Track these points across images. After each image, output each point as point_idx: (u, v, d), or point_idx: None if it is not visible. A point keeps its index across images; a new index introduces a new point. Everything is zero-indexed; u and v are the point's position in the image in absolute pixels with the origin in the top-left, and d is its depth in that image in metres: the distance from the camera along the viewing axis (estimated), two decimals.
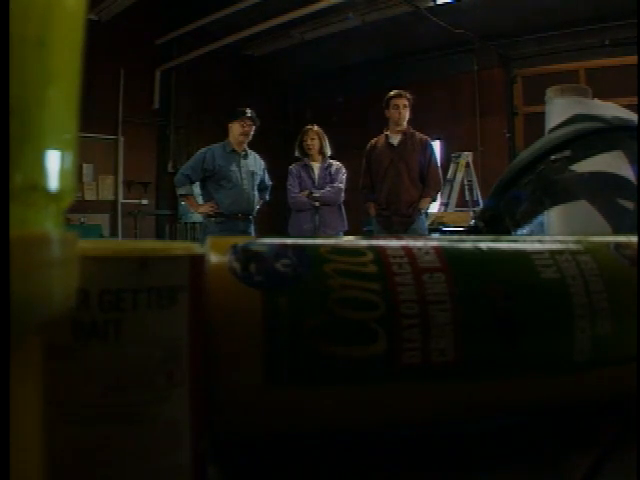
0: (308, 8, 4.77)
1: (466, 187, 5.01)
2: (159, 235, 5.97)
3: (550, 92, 0.72)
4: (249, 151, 3.11)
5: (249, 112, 3.01)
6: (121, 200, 5.79)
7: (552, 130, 0.68)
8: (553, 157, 0.61)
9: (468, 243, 0.32)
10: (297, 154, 3.23)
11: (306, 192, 3.12)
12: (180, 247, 0.23)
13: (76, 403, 0.20)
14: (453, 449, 0.30)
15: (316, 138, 3.16)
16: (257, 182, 3.11)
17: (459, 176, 4.94)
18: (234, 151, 3.03)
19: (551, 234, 0.61)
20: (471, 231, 0.64)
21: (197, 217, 4.76)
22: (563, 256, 0.33)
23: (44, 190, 0.14)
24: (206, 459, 0.24)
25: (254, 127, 3.04)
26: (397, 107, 3.04)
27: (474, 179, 5.01)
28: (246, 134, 3.02)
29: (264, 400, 0.27)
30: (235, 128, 3.02)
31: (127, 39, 5.50)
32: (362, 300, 0.28)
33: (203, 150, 3.08)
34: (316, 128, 3.19)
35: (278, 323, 0.27)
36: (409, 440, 0.31)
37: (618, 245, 0.35)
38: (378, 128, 3.29)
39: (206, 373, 0.24)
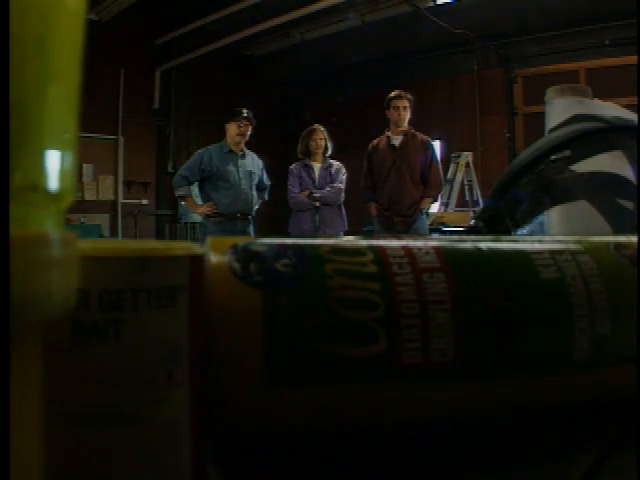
0: (308, 8, 4.77)
1: (466, 187, 5.01)
2: (159, 235, 5.97)
3: (550, 92, 0.72)
4: (247, 151, 3.11)
5: (245, 112, 3.01)
6: (121, 200, 5.79)
7: (552, 130, 0.68)
8: (553, 157, 0.61)
9: (468, 243, 0.32)
10: (299, 154, 3.22)
11: (306, 192, 3.12)
12: (180, 247, 0.23)
13: (76, 403, 0.20)
14: (453, 449, 0.30)
15: (324, 138, 3.16)
16: (255, 182, 3.11)
17: (459, 176, 4.94)
18: (231, 151, 3.03)
19: (551, 234, 0.61)
20: (471, 231, 0.64)
21: (197, 217, 4.75)
22: (563, 256, 0.33)
23: (44, 190, 0.14)
24: (206, 459, 0.24)
25: (251, 127, 3.04)
26: (397, 108, 3.04)
27: (474, 179, 5.01)
28: (243, 134, 3.02)
29: (264, 400, 0.27)
30: (232, 128, 3.02)
31: (127, 39, 5.50)
32: (362, 300, 0.28)
33: (200, 151, 3.08)
34: (322, 128, 3.19)
35: (278, 323, 0.27)
36: (409, 440, 0.31)
37: (618, 245, 0.35)
38: (378, 128, 3.29)
39: (206, 373, 0.24)
